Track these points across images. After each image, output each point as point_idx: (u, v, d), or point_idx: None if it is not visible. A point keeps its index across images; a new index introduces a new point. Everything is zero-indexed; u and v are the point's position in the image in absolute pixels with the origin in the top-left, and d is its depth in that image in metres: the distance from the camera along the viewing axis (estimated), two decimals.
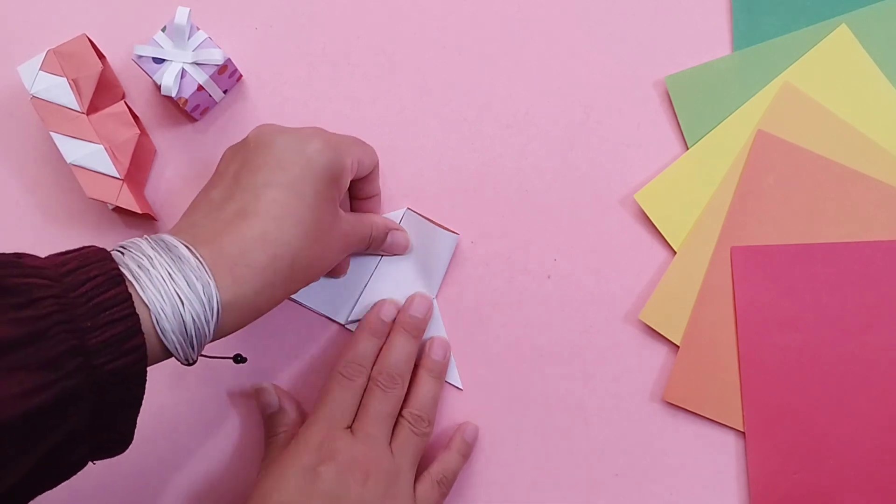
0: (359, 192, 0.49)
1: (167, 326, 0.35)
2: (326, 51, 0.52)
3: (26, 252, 0.35)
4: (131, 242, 0.37)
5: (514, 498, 0.50)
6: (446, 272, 0.51)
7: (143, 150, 0.50)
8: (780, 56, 0.51)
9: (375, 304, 0.50)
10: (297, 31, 0.53)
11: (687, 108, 0.51)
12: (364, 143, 0.47)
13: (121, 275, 0.35)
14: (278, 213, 0.40)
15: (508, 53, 0.52)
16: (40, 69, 0.47)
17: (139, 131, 0.48)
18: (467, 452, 0.50)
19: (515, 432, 0.51)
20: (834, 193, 0.50)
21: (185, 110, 0.50)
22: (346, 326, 0.51)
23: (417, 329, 0.49)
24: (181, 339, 0.36)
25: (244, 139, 0.43)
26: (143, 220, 0.51)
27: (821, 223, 0.50)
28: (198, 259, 0.37)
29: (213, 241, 0.38)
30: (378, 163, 0.48)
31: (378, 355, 0.49)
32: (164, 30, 0.49)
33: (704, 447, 0.50)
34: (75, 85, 0.47)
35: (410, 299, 0.50)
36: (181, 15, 0.48)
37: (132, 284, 0.35)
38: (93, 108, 0.48)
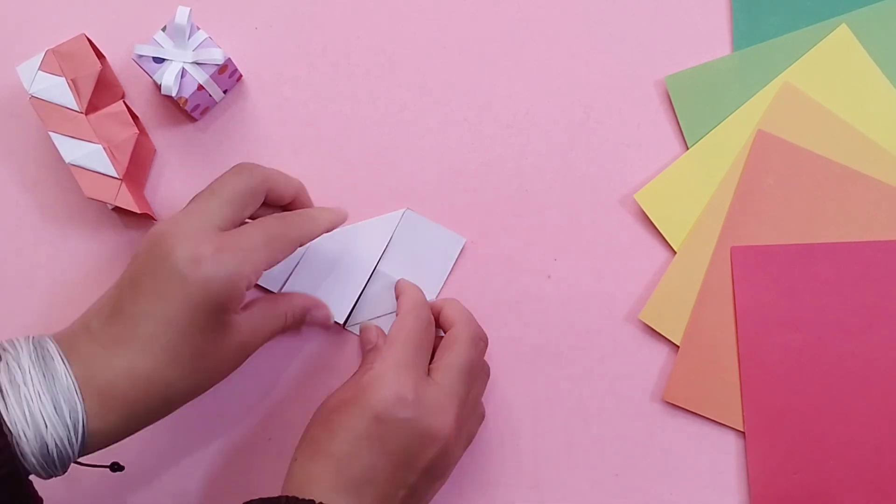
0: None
1: (27, 449, 0.36)
2: (326, 51, 0.52)
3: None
4: (13, 346, 0.38)
5: (514, 498, 0.50)
6: (449, 275, 0.51)
7: (142, 150, 0.50)
8: (780, 56, 0.51)
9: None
10: (297, 31, 0.53)
11: (687, 108, 0.51)
12: (271, 224, 0.43)
13: None
14: (151, 349, 0.38)
15: (508, 53, 0.52)
16: (39, 69, 0.47)
17: (138, 131, 0.48)
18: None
19: (515, 432, 0.51)
20: (834, 193, 0.50)
21: (185, 110, 0.50)
22: (347, 328, 0.51)
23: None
24: (42, 460, 0.36)
25: (138, 250, 0.41)
26: (142, 220, 0.51)
27: (821, 223, 0.50)
28: (70, 380, 0.37)
29: (87, 363, 0.38)
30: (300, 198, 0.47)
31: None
32: (164, 29, 0.48)
33: (704, 447, 0.50)
34: (74, 85, 0.47)
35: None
36: (181, 15, 0.47)
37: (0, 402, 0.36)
38: (92, 108, 0.48)
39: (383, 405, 0.41)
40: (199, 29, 0.49)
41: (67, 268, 0.51)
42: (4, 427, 0.35)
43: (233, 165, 0.44)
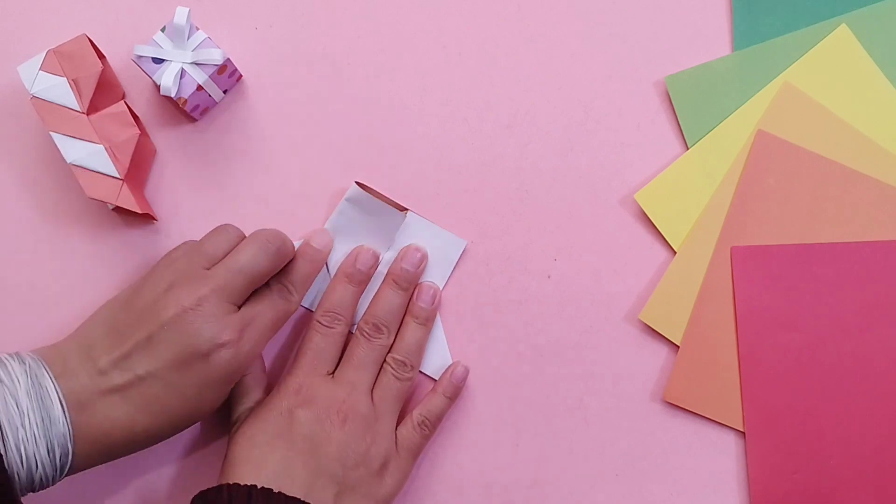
0: None
1: (15, 486, 0.38)
2: (326, 51, 0.52)
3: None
4: (9, 376, 0.39)
5: (514, 498, 0.50)
6: (450, 276, 0.51)
7: (143, 150, 0.50)
8: (780, 56, 0.51)
9: (352, 251, 0.50)
10: (297, 31, 0.53)
11: (687, 108, 0.51)
12: (272, 308, 0.46)
13: None
14: (154, 410, 0.42)
15: (508, 53, 0.52)
16: (40, 69, 0.47)
17: (139, 131, 0.48)
18: (454, 395, 0.50)
19: (515, 432, 0.51)
20: (834, 193, 0.50)
21: (184, 110, 0.50)
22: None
23: (408, 281, 0.50)
24: (24, 490, 0.39)
25: (161, 307, 0.43)
26: (143, 220, 0.51)
27: (821, 223, 0.50)
28: (67, 427, 0.39)
29: (86, 406, 0.40)
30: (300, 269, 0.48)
31: (356, 302, 0.49)
32: (163, 30, 0.49)
33: (704, 447, 0.50)
34: (75, 85, 0.47)
35: (404, 250, 0.50)
36: (181, 15, 0.47)
37: None
38: (93, 108, 0.48)
39: (283, 400, 0.46)
40: (198, 29, 0.49)
41: (67, 268, 0.51)
42: (4, 469, 0.37)
43: (259, 236, 0.46)
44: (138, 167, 0.50)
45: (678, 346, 0.50)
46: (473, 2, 0.53)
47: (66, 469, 0.40)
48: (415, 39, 0.53)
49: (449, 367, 0.50)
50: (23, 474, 0.38)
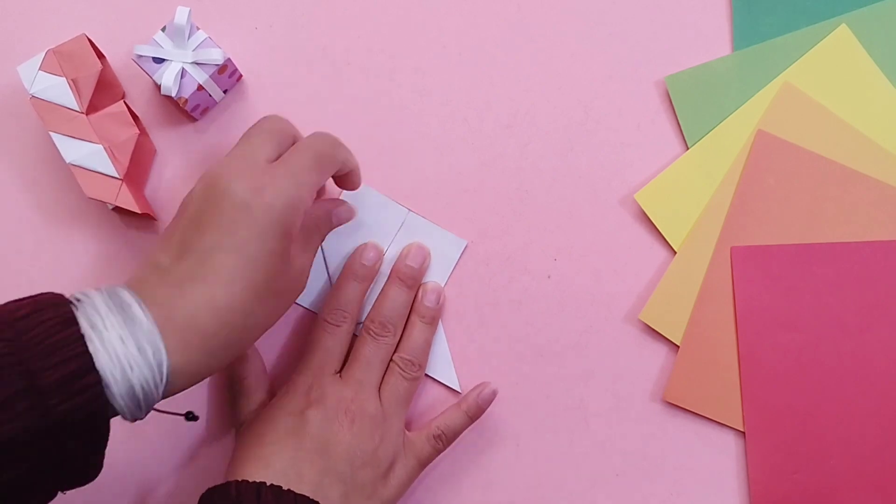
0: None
1: (115, 391, 0.35)
2: (326, 51, 0.52)
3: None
4: (86, 295, 0.37)
5: (515, 498, 0.50)
6: (450, 277, 0.51)
7: (142, 150, 0.50)
8: (780, 56, 0.51)
9: (357, 249, 0.50)
10: (297, 31, 0.53)
11: (687, 108, 0.51)
12: (316, 158, 0.44)
13: (73, 316, 0.35)
14: (227, 278, 0.39)
15: (508, 53, 0.52)
16: (40, 69, 0.47)
17: (138, 131, 0.48)
18: (476, 415, 0.49)
19: (515, 432, 0.51)
20: (834, 193, 0.50)
21: (185, 110, 0.50)
22: None
23: (413, 279, 0.50)
24: (129, 402, 0.36)
25: (194, 189, 0.42)
26: (143, 220, 0.51)
27: (821, 223, 0.50)
28: (150, 322, 0.37)
29: (164, 303, 0.38)
30: (353, 165, 0.47)
31: (362, 300, 0.49)
32: (164, 30, 0.48)
33: (704, 447, 0.50)
34: (75, 85, 0.47)
35: (407, 248, 0.50)
36: (181, 15, 0.47)
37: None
38: (92, 108, 0.48)
39: (291, 403, 0.46)
40: (198, 29, 0.49)
41: (67, 268, 0.51)
42: (94, 370, 0.35)
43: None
44: (138, 167, 0.50)
45: (678, 346, 0.50)
46: (473, 2, 0.53)
47: (165, 370, 0.37)
48: (415, 39, 0.53)
49: (477, 385, 0.50)
50: (117, 375, 0.35)
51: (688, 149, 0.51)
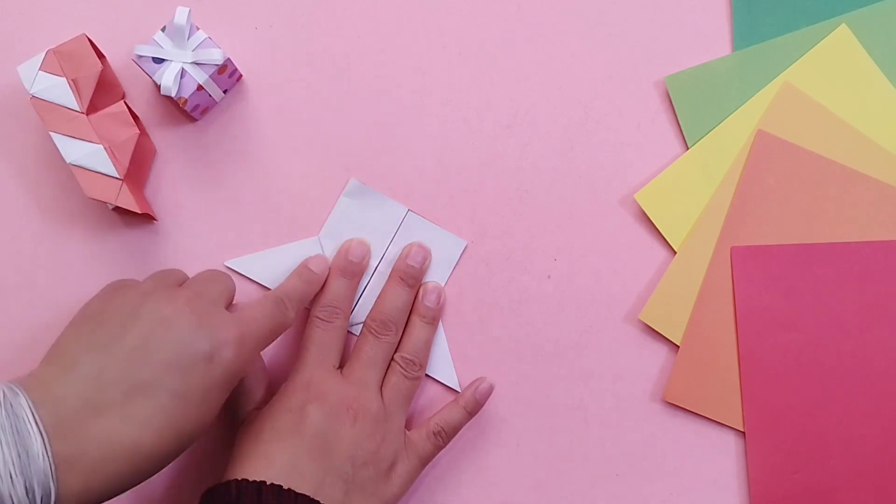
0: None
1: None
2: (326, 51, 0.52)
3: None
4: None
5: (514, 498, 0.50)
6: (450, 276, 0.51)
7: (142, 150, 0.50)
8: (780, 56, 0.51)
9: (343, 245, 0.50)
10: (297, 31, 0.53)
11: (687, 108, 0.51)
12: (264, 314, 0.44)
13: None
14: (160, 425, 0.37)
15: (508, 53, 0.52)
16: (40, 69, 0.47)
17: (139, 131, 0.48)
18: (474, 410, 0.49)
19: (515, 432, 0.51)
20: (834, 193, 0.50)
21: (185, 110, 0.50)
22: (350, 330, 0.51)
23: (413, 278, 0.50)
24: None
25: (128, 295, 0.40)
26: (143, 220, 0.51)
27: (821, 223, 0.50)
28: (48, 462, 0.34)
29: (75, 433, 0.35)
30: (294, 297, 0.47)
31: (352, 296, 0.49)
32: (163, 30, 0.48)
33: (704, 447, 0.50)
34: (75, 85, 0.47)
35: (408, 248, 0.50)
36: (181, 15, 0.47)
37: None
38: (92, 108, 0.48)
39: (292, 399, 0.45)
40: (198, 29, 0.49)
41: (67, 268, 0.51)
42: None
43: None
44: (138, 167, 0.50)
45: (678, 346, 0.50)
46: (473, 2, 0.53)
47: None
48: (415, 39, 0.53)
49: (474, 381, 0.50)
50: None
51: (688, 149, 0.51)
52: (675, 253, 0.51)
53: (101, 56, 0.49)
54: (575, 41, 0.52)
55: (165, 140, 0.52)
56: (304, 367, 0.47)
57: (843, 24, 0.51)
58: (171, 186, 0.52)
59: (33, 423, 0.34)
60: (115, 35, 0.52)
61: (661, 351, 0.51)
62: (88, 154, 0.47)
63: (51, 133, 0.47)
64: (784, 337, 0.49)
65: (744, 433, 0.49)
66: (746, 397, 0.49)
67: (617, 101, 0.52)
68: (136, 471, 0.37)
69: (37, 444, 0.34)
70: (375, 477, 0.45)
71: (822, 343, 0.49)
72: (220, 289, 0.43)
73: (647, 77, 0.52)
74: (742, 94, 0.51)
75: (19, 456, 0.33)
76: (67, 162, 0.47)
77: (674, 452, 0.50)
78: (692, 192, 0.51)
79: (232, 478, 0.42)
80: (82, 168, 0.47)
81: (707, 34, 0.52)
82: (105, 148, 0.47)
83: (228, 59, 0.49)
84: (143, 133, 0.51)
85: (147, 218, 0.51)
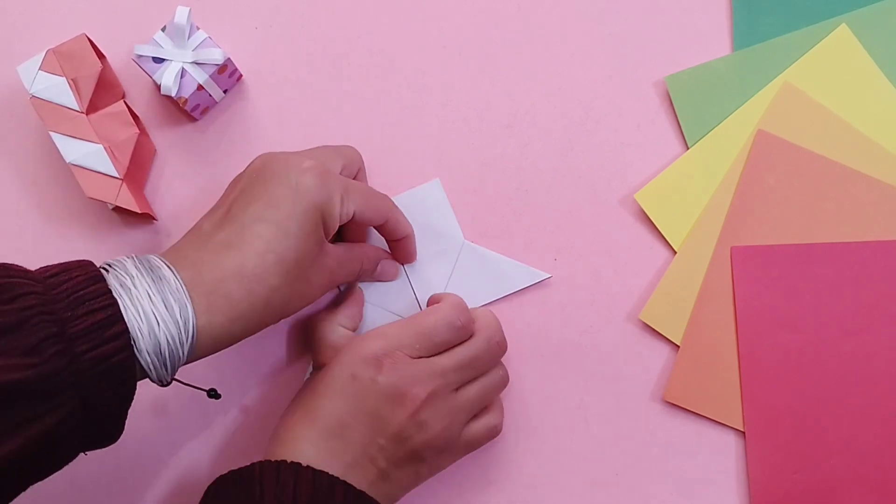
0: (386, 234, 0.49)
1: (142, 345, 0.37)
2: (326, 51, 0.52)
3: (19, 260, 0.37)
4: (116, 261, 0.39)
5: (515, 498, 0.50)
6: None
7: (142, 150, 0.50)
8: (780, 56, 0.51)
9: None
10: (297, 31, 0.53)
11: (687, 108, 0.51)
12: (372, 193, 0.46)
13: (100, 274, 0.37)
14: (260, 249, 0.40)
15: (508, 53, 0.52)
16: (40, 69, 0.47)
17: (138, 131, 0.48)
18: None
19: (515, 432, 0.51)
20: (834, 193, 0.50)
21: (185, 110, 0.50)
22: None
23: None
24: (155, 359, 0.37)
25: (247, 168, 0.44)
26: (143, 220, 0.51)
27: (821, 223, 0.50)
28: (178, 281, 0.38)
29: (194, 266, 0.39)
30: (390, 208, 0.47)
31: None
32: (164, 29, 0.49)
33: (704, 447, 0.50)
34: (75, 84, 0.47)
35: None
36: (181, 14, 0.48)
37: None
38: (92, 108, 0.48)
39: (358, 364, 0.44)
40: (198, 29, 0.49)
41: None
42: (122, 321, 0.36)
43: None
44: (138, 167, 0.50)
45: (678, 346, 0.50)
46: (473, 2, 0.53)
47: (191, 328, 0.38)
48: (415, 39, 0.53)
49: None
50: (144, 330, 0.36)
51: (688, 149, 0.51)
52: (676, 253, 0.51)
53: (100, 56, 0.50)
54: (575, 41, 0.52)
55: (165, 140, 0.52)
56: (383, 333, 0.45)
57: (843, 24, 0.51)
58: (171, 186, 0.52)
59: (162, 261, 0.39)
60: (115, 35, 0.52)
61: (662, 351, 0.51)
62: (88, 154, 0.47)
63: (51, 133, 0.47)
64: (784, 337, 0.49)
65: (744, 433, 0.49)
66: (746, 397, 0.49)
67: (617, 101, 0.52)
68: (250, 295, 0.40)
69: (167, 271, 0.38)
70: (418, 473, 0.45)
71: (822, 343, 0.49)
72: (336, 156, 0.46)
73: (647, 77, 0.52)
74: (742, 94, 0.51)
75: (154, 281, 0.38)
76: (67, 161, 0.47)
77: (674, 452, 0.50)
78: (692, 191, 0.51)
79: (281, 429, 0.43)
80: (82, 168, 0.47)
81: (707, 34, 0.52)
82: (105, 148, 0.47)
83: (228, 58, 0.49)
84: (142, 133, 0.51)
85: (147, 218, 0.51)
